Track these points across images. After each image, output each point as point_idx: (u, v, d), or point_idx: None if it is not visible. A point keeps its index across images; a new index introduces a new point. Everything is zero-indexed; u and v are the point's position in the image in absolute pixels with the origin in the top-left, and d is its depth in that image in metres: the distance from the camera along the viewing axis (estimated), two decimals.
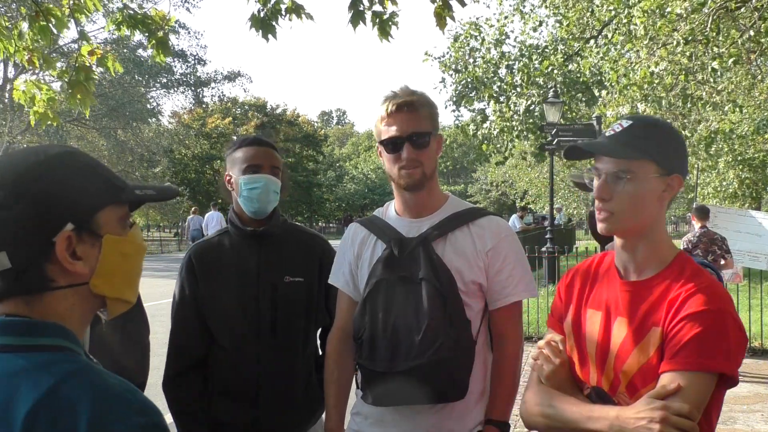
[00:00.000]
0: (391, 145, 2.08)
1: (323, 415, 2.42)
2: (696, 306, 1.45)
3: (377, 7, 4.43)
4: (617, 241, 1.61)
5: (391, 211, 2.24)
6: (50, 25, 4.21)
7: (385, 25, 4.43)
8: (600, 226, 1.58)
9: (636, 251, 1.58)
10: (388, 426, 2.10)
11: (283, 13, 4.56)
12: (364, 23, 4.41)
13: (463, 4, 4.31)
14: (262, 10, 4.52)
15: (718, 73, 8.70)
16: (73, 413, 0.95)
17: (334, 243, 2.49)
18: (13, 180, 1.04)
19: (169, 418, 2.47)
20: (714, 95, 9.93)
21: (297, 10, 4.58)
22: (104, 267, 1.10)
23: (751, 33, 8.74)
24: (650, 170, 1.52)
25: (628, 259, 1.60)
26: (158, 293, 9.83)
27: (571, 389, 1.61)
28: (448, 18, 4.31)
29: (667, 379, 1.43)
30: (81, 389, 0.98)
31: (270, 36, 4.54)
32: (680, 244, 7.78)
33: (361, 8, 4.38)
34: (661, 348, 1.48)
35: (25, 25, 4.23)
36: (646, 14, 9.05)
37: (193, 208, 25.96)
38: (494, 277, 2.10)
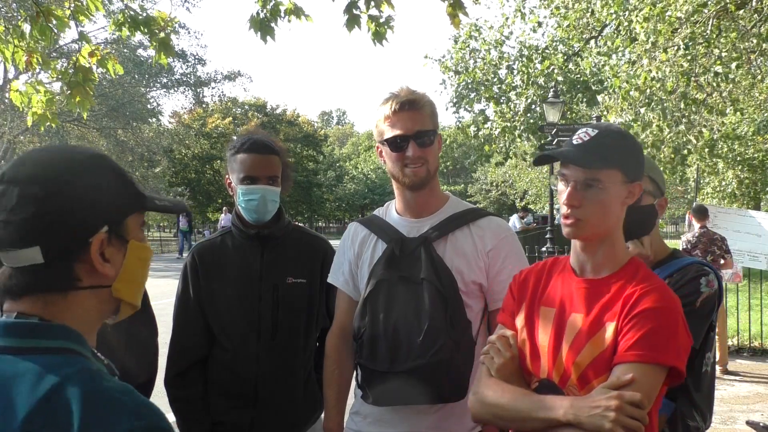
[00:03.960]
0: (396, 144, 2.09)
1: (322, 416, 2.43)
2: (650, 303, 1.53)
3: (373, 11, 4.43)
4: (577, 242, 1.67)
5: (392, 211, 2.25)
6: (51, 25, 4.21)
7: (380, 29, 4.44)
8: (566, 231, 1.63)
9: (595, 253, 1.65)
10: (387, 426, 2.11)
11: (282, 14, 4.57)
12: (359, 27, 4.41)
13: (477, 2, 4.32)
14: (262, 11, 4.53)
15: (720, 77, 8.71)
16: (68, 417, 0.95)
17: (334, 243, 2.50)
18: (52, 176, 1.05)
19: (171, 417, 2.49)
20: (715, 96, 9.93)
21: (296, 11, 4.59)
22: (127, 272, 1.12)
23: (754, 40, 8.74)
24: (617, 178, 1.60)
25: (586, 259, 1.66)
26: (159, 293, 9.82)
27: (519, 382, 1.66)
28: (461, 15, 4.32)
29: (621, 371, 1.49)
30: (76, 393, 0.98)
31: (269, 37, 4.55)
32: (680, 244, 7.78)
33: (357, 12, 4.39)
34: (614, 341, 1.54)
35: (26, 26, 4.23)
36: (646, 20, 9.05)
37: (224, 208, 27.99)
38: (495, 278, 2.12)
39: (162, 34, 4.52)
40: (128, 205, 1.13)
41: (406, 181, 2.11)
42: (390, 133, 2.10)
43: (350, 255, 2.26)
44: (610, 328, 1.55)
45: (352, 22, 4.39)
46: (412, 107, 2.09)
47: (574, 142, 1.64)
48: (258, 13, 4.52)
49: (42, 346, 1.03)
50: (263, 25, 4.52)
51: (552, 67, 16.09)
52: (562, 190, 1.62)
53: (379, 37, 4.45)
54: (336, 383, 2.26)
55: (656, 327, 1.50)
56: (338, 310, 2.30)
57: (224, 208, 30.19)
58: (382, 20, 4.43)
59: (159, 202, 1.19)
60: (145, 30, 4.50)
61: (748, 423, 2.58)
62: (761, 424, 2.57)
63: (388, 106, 2.11)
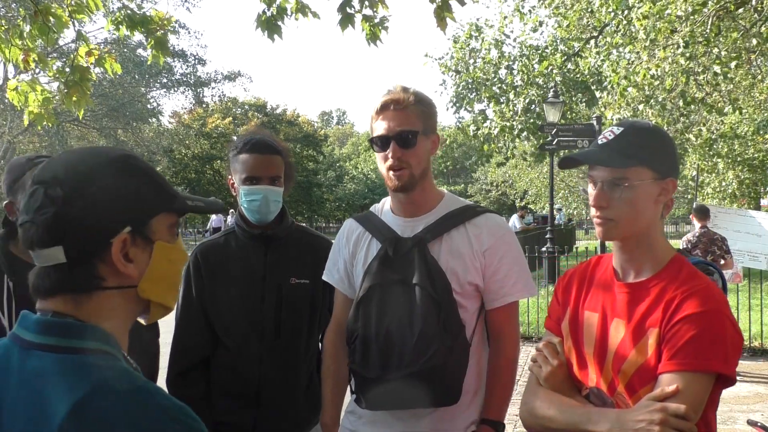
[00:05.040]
0: (379, 144, 2.06)
1: None
2: (693, 307, 1.47)
3: (367, 11, 4.41)
4: (615, 243, 1.63)
5: (387, 208, 2.22)
6: (50, 25, 4.20)
7: (375, 29, 4.42)
8: (598, 231, 1.60)
9: (634, 253, 1.60)
10: (381, 426, 2.09)
11: (289, 13, 4.55)
12: (353, 27, 4.39)
13: (463, 3, 4.30)
14: (268, 10, 4.50)
15: (720, 77, 8.70)
16: (109, 420, 0.97)
17: None
18: (74, 178, 1.07)
19: None
20: (715, 95, 9.93)
21: (303, 9, 4.57)
22: (153, 272, 1.13)
23: (754, 41, 8.74)
24: (645, 176, 1.55)
25: (626, 261, 1.62)
26: None
27: (569, 390, 1.63)
28: (448, 18, 4.31)
29: (666, 381, 1.45)
30: (117, 396, 0.99)
31: (276, 36, 4.53)
32: (680, 243, 7.77)
33: (350, 11, 4.36)
34: (658, 349, 1.50)
35: (25, 26, 4.21)
36: (645, 18, 9.05)
37: None
38: (491, 277, 2.08)
39: (159, 34, 4.50)
40: (154, 206, 1.13)
41: (390, 183, 2.08)
42: (375, 132, 2.08)
43: (345, 253, 2.24)
44: (652, 336, 1.51)
45: (346, 21, 4.37)
46: (396, 106, 2.04)
47: (600, 141, 1.60)
48: (264, 12, 4.50)
49: (77, 346, 1.04)
50: (270, 24, 4.50)
51: (551, 68, 16.08)
52: (592, 192, 1.59)
53: (373, 37, 4.43)
54: (333, 378, 2.24)
55: (700, 333, 1.45)
56: (335, 307, 2.29)
57: None
58: (376, 21, 4.41)
59: (191, 202, 1.19)
60: (143, 29, 4.48)
61: (749, 422, 2.57)
62: (759, 424, 2.57)
63: (375, 105, 2.08)
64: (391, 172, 2.05)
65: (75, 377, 1.00)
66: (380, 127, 2.06)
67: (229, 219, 26.71)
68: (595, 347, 1.60)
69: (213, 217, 27.29)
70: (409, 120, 2.04)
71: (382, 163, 2.08)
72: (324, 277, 2.31)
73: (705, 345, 1.45)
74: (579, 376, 1.64)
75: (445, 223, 2.10)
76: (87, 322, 1.07)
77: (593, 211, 1.59)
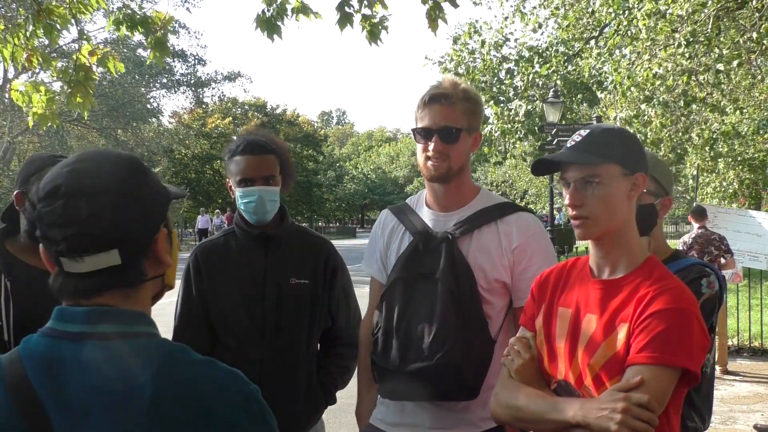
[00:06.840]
0: (422, 135, 2.09)
1: (323, 417, 2.43)
2: (663, 304, 1.52)
3: (366, 11, 4.42)
4: (591, 241, 1.68)
5: (423, 201, 2.24)
6: (53, 23, 4.20)
7: (374, 29, 4.42)
8: (577, 233, 1.64)
9: (610, 251, 1.65)
10: (407, 416, 2.11)
11: (290, 13, 4.55)
12: (352, 26, 4.40)
13: (455, 5, 4.31)
14: (268, 10, 4.50)
15: (722, 75, 8.72)
16: (197, 391, 1.07)
17: (334, 243, 2.50)
18: (117, 183, 1.11)
19: None
20: (715, 95, 9.94)
21: (304, 9, 4.57)
22: (173, 258, 1.22)
23: (754, 35, 8.75)
24: (615, 171, 1.60)
25: (601, 258, 1.67)
26: None
27: (538, 383, 1.68)
28: (441, 20, 4.33)
29: (631, 373, 1.49)
30: (190, 366, 1.10)
31: (276, 36, 4.53)
32: (678, 245, 7.76)
33: (349, 11, 4.37)
34: (627, 344, 1.54)
35: (29, 25, 4.21)
36: (648, 17, 9.07)
37: (201, 209, 29.96)
38: (520, 275, 2.08)
39: (159, 34, 4.50)
40: (167, 198, 1.21)
41: (426, 174, 2.12)
42: (418, 123, 2.11)
43: (380, 244, 2.28)
44: (623, 330, 1.55)
45: (344, 20, 4.37)
46: (444, 101, 2.07)
47: (568, 145, 1.67)
48: (264, 12, 4.50)
49: (132, 331, 1.11)
50: (270, 24, 4.50)
51: (552, 69, 16.08)
52: (566, 194, 1.64)
53: (373, 36, 4.44)
54: (368, 370, 2.26)
55: (668, 328, 1.49)
56: (371, 299, 2.31)
57: (201, 209, 31.91)
58: (375, 20, 4.42)
59: (171, 189, 1.27)
60: (143, 29, 4.48)
61: (756, 427, 2.58)
62: None
63: (423, 95, 2.10)
64: (429, 162, 2.08)
65: (144, 357, 1.07)
66: (425, 119, 2.09)
67: (216, 220, 27.11)
68: (566, 341, 1.65)
69: (199, 217, 27.50)
70: (454, 116, 2.07)
71: (421, 153, 2.12)
72: (363, 267, 2.35)
73: (672, 340, 1.49)
74: (549, 370, 1.69)
75: (476, 219, 2.11)
76: (136, 310, 1.13)
77: (569, 212, 1.64)
